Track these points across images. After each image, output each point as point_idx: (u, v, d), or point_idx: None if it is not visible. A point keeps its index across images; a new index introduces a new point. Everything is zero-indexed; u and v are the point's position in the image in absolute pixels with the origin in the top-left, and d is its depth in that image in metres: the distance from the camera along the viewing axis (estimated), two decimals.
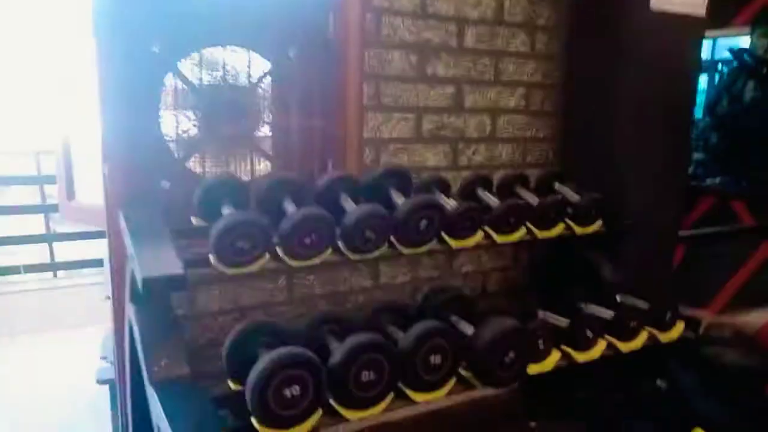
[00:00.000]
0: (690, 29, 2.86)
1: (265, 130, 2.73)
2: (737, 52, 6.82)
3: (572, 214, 2.52)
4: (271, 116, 2.73)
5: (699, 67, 3.05)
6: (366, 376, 1.66)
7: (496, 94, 2.92)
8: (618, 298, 2.46)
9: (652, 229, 2.93)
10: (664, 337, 2.27)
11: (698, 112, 8.29)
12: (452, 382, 1.79)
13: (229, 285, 2.44)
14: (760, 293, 4.19)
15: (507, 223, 2.33)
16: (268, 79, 2.63)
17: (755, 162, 6.90)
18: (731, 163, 7.21)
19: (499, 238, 2.32)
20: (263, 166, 2.71)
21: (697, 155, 8.41)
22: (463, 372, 1.86)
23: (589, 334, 2.08)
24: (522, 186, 2.62)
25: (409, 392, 1.76)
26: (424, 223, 2.10)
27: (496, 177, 2.65)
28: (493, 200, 2.44)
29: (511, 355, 1.77)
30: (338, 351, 1.67)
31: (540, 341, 1.97)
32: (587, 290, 2.67)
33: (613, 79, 2.82)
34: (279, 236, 1.90)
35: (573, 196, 2.58)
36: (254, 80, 2.60)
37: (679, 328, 2.31)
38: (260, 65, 2.64)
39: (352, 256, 2.01)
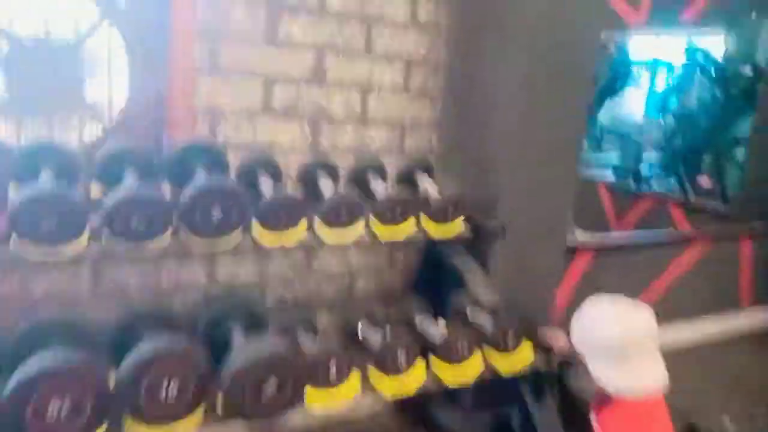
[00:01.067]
0: (590, 22, 2.49)
1: (96, 92, 2.32)
2: (691, 52, 6.54)
3: (430, 212, 2.15)
4: (101, 75, 2.31)
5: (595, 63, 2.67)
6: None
7: (368, 67, 2.51)
8: (468, 313, 2.10)
9: (533, 235, 2.58)
10: (502, 365, 1.91)
11: (651, 112, 8.07)
12: (194, 416, 1.40)
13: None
14: (672, 310, 3.89)
15: (337, 217, 1.94)
16: (98, 32, 2.22)
17: (695, 169, 6.67)
18: (679, 166, 6.96)
19: (326, 235, 1.93)
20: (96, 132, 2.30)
21: (650, 155, 8.17)
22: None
23: (401, 357, 1.70)
24: (377, 176, 2.23)
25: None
26: (217, 212, 1.70)
27: (344, 165, 2.26)
28: (329, 190, 2.05)
29: (272, 383, 1.39)
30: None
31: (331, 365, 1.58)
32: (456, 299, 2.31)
33: (504, 60, 2.44)
34: None
35: (433, 192, 2.20)
36: (82, 34, 2.19)
37: (525, 354, 1.96)
38: (88, 15, 2.23)
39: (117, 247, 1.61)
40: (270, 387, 1.38)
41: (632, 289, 3.65)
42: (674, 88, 6.94)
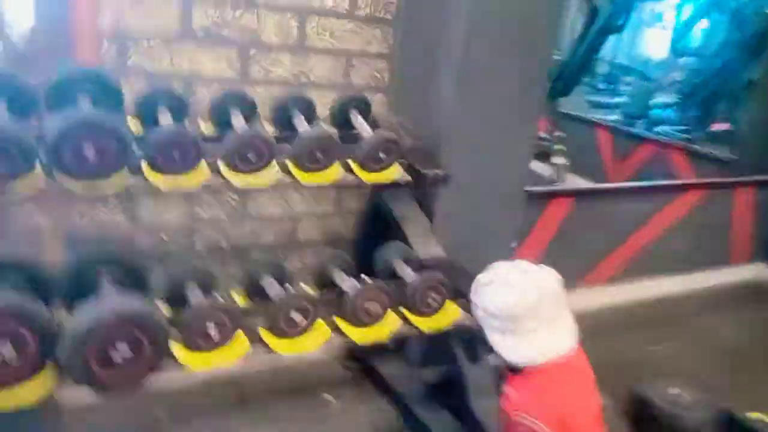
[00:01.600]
0: None
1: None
2: None
3: (358, 156, 1.91)
4: None
5: None
6: None
7: None
8: (395, 267, 1.90)
9: (487, 183, 2.34)
10: (423, 324, 1.72)
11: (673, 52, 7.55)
12: (38, 378, 1.24)
13: None
14: (661, 259, 3.66)
15: (243, 158, 1.72)
16: None
17: (711, 112, 6.25)
18: (694, 109, 6.55)
19: (233, 178, 1.72)
20: None
21: (663, 99, 7.72)
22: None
23: (298, 316, 1.51)
24: (301, 113, 1.99)
25: None
26: (88, 149, 1.49)
27: (267, 100, 2.02)
28: (240, 127, 1.82)
29: (122, 349, 1.22)
30: None
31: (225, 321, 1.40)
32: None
33: None
34: None
35: (366, 134, 1.96)
36: None
37: (449, 315, 1.76)
38: None
39: None
40: (121, 351, 1.21)
41: (613, 240, 3.49)
42: (691, 25, 6.43)
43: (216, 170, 1.72)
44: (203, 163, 1.70)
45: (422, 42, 2.34)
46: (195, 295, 1.55)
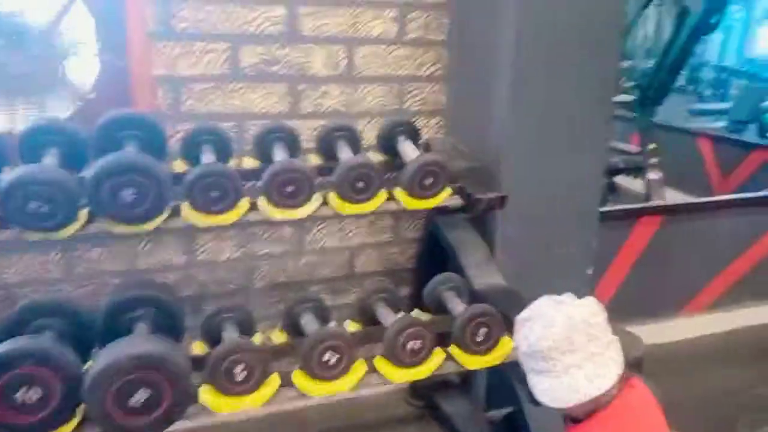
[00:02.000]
0: None
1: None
2: None
3: (403, 181, 1.83)
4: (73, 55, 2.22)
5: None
6: None
7: (352, 16, 2.20)
8: (445, 300, 1.77)
9: (548, 204, 2.16)
10: (470, 362, 1.57)
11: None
12: (66, 423, 1.25)
13: None
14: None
15: (282, 192, 1.69)
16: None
17: None
18: None
19: (271, 210, 1.70)
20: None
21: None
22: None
23: (331, 357, 1.43)
24: (346, 141, 1.94)
25: None
26: (129, 192, 1.53)
27: (311, 130, 2.00)
28: (279, 159, 1.80)
29: (142, 395, 1.20)
30: None
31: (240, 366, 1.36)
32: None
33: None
34: None
35: (408, 157, 1.88)
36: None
37: (500, 352, 1.60)
38: None
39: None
40: (140, 394, 1.19)
41: (715, 261, 3.11)
42: None
43: (255, 206, 1.71)
44: (243, 200, 1.69)
45: (475, 61, 2.23)
46: (229, 335, 1.52)
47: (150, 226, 1.59)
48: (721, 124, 6.57)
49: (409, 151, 1.92)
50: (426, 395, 2.38)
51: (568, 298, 1.29)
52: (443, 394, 2.34)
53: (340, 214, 1.80)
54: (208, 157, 1.78)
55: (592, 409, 1.23)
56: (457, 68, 2.33)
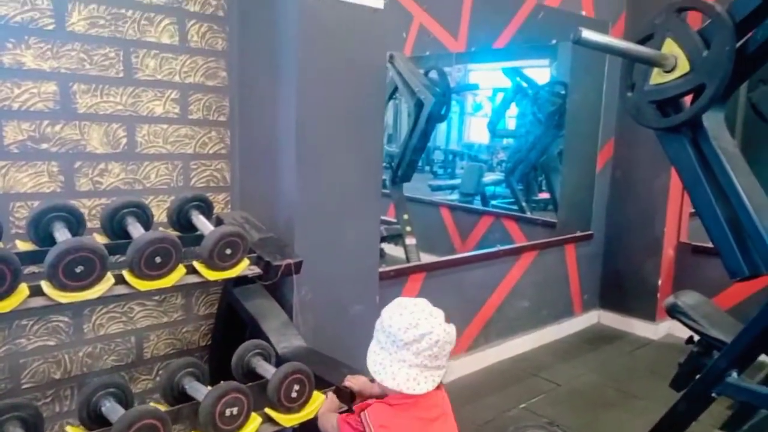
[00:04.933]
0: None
1: None
2: (510, 75, 6.96)
3: (204, 253, 1.86)
4: None
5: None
6: None
7: (132, 96, 2.20)
8: (254, 366, 1.83)
9: (337, 268, 2.39)
10: (289, 420, 1.65)
11: (493, 136, 8.52)
12: None
13: None
14: (514, 319, 3.92)
15: (70, 273, 1.58)
16: None
17: (532, 183, 7.06)
18: (516, 183, 7.34)
19: (58, 295, 1.57)
20: None
21: (495, 176, 8.56)
22: None
23: None
24: (135, 218, 1.91)
25: None
26: None
27: (89, 209, 1.92)
28: (64, 239, 1.69)
29: None
30: None
31: None
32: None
33: (280, 83, 2.26)
34: None
35: (207, 230, 1.93)
36: None
37: (315, 404, 1.72)
38: None
39: None
40: None
41: (469, 307, 3.68)
42: (502, 110, 7.37)
43: (38, 291, 1.56)
44: (22, 286, 1.54)
45: (259, 140, 2.41)
46: None
47: None
48: (455, 196, 7.80)
49: (205, 224, 1.97)
50: None
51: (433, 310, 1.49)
52: None
53: (128, 296, 1.74)
54: None
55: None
56: (241, 146, 2.47)
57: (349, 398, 1.75)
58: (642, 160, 4.32)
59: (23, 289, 1.55)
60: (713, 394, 1.99)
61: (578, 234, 4.43)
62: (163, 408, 1.63)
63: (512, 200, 7.27)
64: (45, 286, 1.56)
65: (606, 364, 3.88)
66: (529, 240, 5.10)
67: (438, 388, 1.49)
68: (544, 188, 7.81)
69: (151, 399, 2.28)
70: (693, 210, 2.35)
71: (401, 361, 1.42)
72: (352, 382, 1.76)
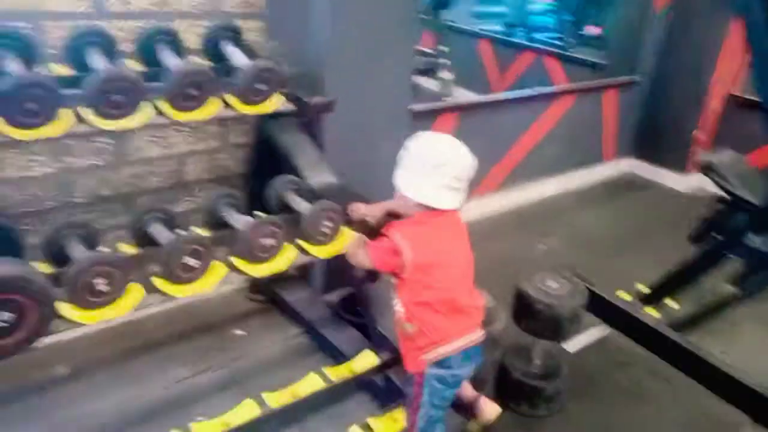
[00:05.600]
0: None
1: None
2: None
3: (235, 89, 1.85)
4: None
5: None
6: None
7: None
8: (287, 199, 1.92)
9: (367, 105, 2.36)
10: (321, 252, 1.78)
11: None
12: None
13: None
14: (542, 163, 3.94)
15: (109, 101, 1.61)
16: None
17: (584, 16, 6.54)
18: (567, 14, 6.81)
19: (100, 122, 1.61)
20: None
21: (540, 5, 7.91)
22: None
23: (192, 260, 1.51)
24: (167, 46, 1.87)
25: None
26: None
27: (129, 35, 1.88)
28: (101, 66, 1.69)
29: (4, 316, 1.17)
30: None
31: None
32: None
33: None
34: None
35: (241, 64, 1.89)
36: None
37: (343, 240, 1.83)
38: None
39: None
40: (3, 318, 1.16)
41: (499, 149, 3.68)
42: None
43: (80, 117, 1.61)
44: (66, 111, 1.58)
45: None
46: (77, 251, 1.49)
47: None
48: (498, 27, 7.32)
49: (238, 56, 1.93)
50: (266, 290, 2.55)
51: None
52: (282, 286, 2.52)
53: (165, 123, 1.78)
54: (13, 65, 1.60)
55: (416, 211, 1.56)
56: None
57: (371, 231, 1.85)
58: (702, 7, 3.95)
59: (67, 115, 1.59)
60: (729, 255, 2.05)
61: (622, 79, 4.22)
62: (204, 233, 1.76)
63: (558, 35, 6.81)
64: (87, 113, 1.60)
65: (629, 212, 3.95)
66: (570, 80, 4.90)
67: (454, 213, 1.60)
68: (593, 21, 7.25)
69: (192, 221, 2.45)
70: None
71: (428, 180, 1.51)
72: (356, 212, 1.84)
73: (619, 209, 4.00)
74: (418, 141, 1.57)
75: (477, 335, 1.64)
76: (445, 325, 1.58)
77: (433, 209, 1.53)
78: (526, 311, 1.98)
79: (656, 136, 4.46)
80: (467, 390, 1.87)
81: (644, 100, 4.40)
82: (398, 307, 1.62)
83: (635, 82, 4.27)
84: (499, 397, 2.02)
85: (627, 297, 2.47)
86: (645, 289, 2.58)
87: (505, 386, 2.12)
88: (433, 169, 1.50)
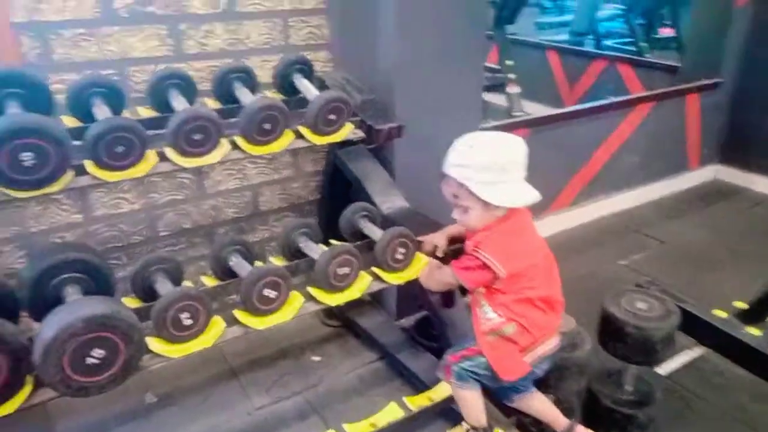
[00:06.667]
0: None
1: None
2: None
3: (305, 120, 1.89)
4: None
5: None
6: None
7: None
8: (360, 226, 1.92)
9: (437, 127, 2.34)
10: (394, 279, 1.77)
11: None
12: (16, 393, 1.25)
13: None
14: (622, 174, 3.77)
15: (189, 140, 1.68)
16: None
17: (656, 19, 6.28)
18: (637, 18, 6.58)
19: (182, 161, 1.69)
20: None
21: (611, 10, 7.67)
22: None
23: (271, 292, 1.53)
24: (242, 82, 1.94)
25: None
26: (29, 155, 1.44)
27: (207, 72, 1.96)
28: (181, 107, 1.77)
29: (96, 354, 1.23)
30: None
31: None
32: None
33: None
34: None
35: (311, 96, 1.93)
36: None
37: (417, 265, 1.80)
38: None
39: None
40: (96, 355, 1.22)
41: (574, 163, 3.56)
42: None
43: (163, 156, 1.69)
44: (150, 153, 1.66)
45: None
46: (164, 286, 1.55)
47: (55, 188, 1.53)
48: (564, 36, 7.16)
49: (309, 88, 1.97)
50: (340, 315, 2.56)
51: (502, 133, 1.58)
52: (356, 311, 2.53)
53: (242, 157, 1.83)
54: (101, 111, 1.70)
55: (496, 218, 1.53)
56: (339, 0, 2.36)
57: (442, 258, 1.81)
58: None
59: (151, 156, 1.68)
60: None
61: (704, 82, 3.99)
62: (281, 262, 1.79)
63: (630, 40, 6.56)
64: (169, 152, 1.68)
65: (717, 222, 3.70)
66: (646, 87, 4.69)
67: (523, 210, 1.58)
68: (666, 22, 6.94)
69: (268, 248, 2.51)
70: None
71: (503, 182, 1.48)
72: (428, 242, 1.80)
73: (707, 219, 3.76)
74: (469, 156, 1.52)
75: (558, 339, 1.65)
76: (544, 322, 1.58)
77: (504, 214, 1.52)
78: (614, 334, 1.87)
79: (743, 139, 4.16)
80: (560, 421, 1.78)
81: (729, 101, 4.13)
82: (490, 314, 1.57)
83: (718, 83, 4.02)
84: (588, 427, 1.91)
85: (724, 315, 2.29)
86: (743, 306, 2.38)
87: (594, 414, 2.01)
88: (503, 171, 1.48)
